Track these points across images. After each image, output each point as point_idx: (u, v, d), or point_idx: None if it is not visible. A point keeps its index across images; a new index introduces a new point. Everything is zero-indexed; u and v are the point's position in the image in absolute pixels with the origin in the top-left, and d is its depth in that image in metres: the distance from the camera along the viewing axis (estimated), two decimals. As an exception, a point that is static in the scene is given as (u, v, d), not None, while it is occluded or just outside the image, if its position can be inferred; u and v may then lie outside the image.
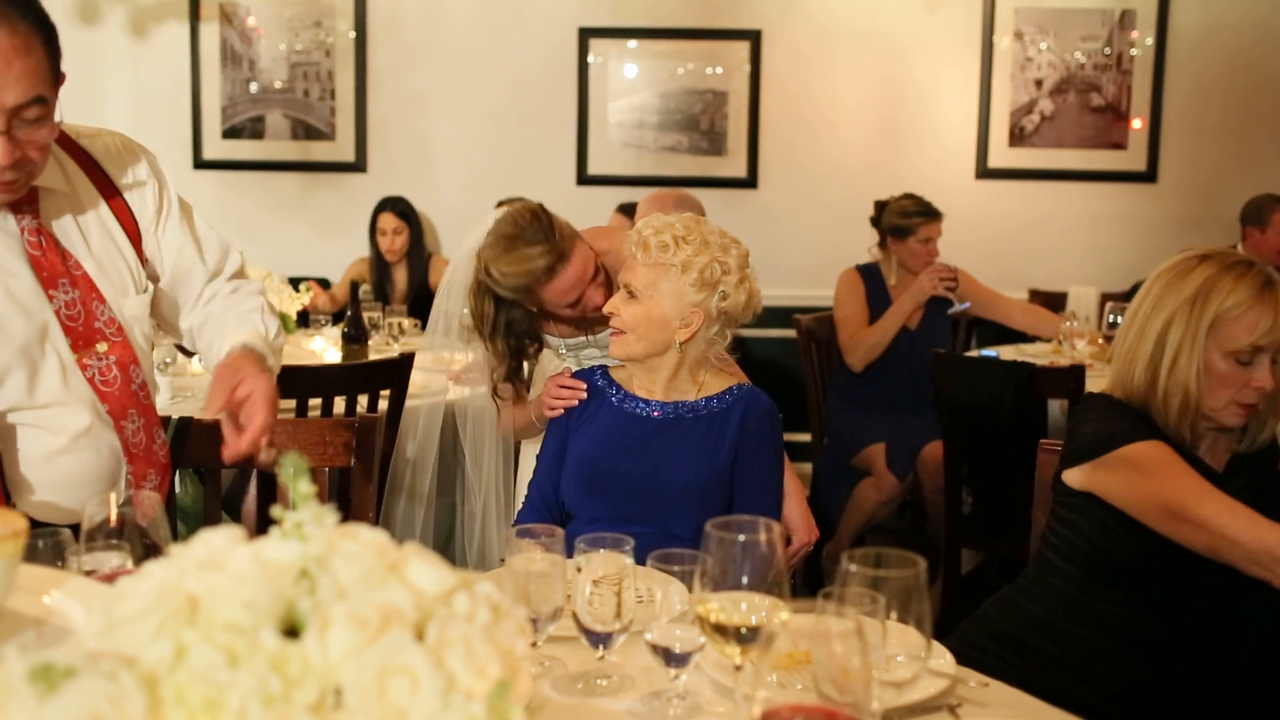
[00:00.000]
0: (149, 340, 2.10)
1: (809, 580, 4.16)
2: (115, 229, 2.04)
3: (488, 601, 0.93)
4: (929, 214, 4.44)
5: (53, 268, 1.93)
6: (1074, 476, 2.02)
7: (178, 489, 2.77)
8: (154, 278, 2.12)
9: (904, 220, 4.43)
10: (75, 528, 1.49)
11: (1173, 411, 1.98)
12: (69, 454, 1.95)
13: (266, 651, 0.82)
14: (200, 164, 5.89)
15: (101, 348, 1.96)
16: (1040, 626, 2.04)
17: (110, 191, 2.05)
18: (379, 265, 5.51)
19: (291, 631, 0.86)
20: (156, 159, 2.15)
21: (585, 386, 2.38)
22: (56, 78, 1.84)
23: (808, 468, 4.81)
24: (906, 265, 4.49)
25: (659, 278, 2.22)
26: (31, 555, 1.44)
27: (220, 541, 0.92)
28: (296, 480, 0.92)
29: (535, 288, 2.52)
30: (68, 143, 2.02)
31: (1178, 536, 1.88)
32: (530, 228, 2.50)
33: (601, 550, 1.48)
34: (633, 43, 5.87)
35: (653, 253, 2.22)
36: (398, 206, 5.50)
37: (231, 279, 2.19)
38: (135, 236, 2.07)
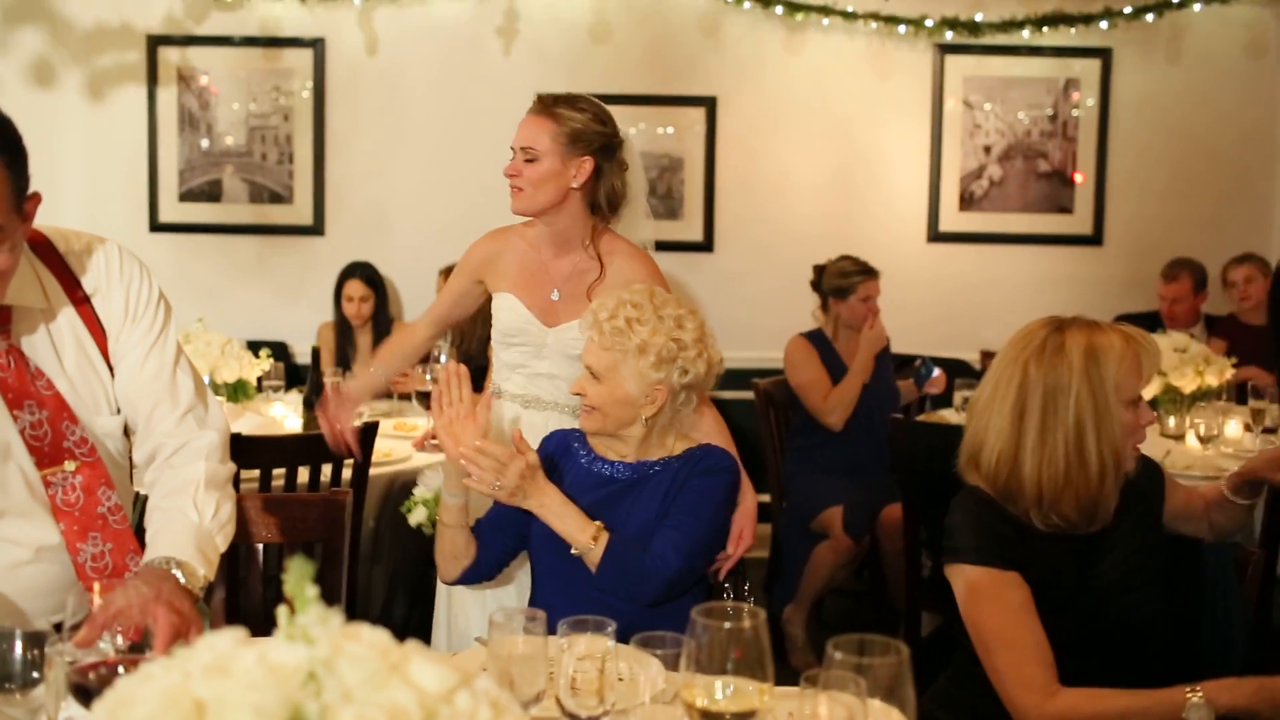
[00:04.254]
0: (126, 457, 2.04)
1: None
2: (91, 347, 1.96)
3: (487, 698, 0.94)
4: (867, 272, 4.66)
5: (20, 388, 1.87)
6: (948, 570, 2.10)
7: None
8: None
9: (844, 280, 4.64)
10: (36, 635, 1.44)
11: (1108, 482, 1.99)
12: (34, 565, 1.90)
13: (276, 758, 0.83)
14: (157, 227, 5.85)
15: (69, 466, 1.90)
16: (977, 713, 2.06)
17: (87, 308, 1.96)
18: (342, 330, 5.45)
19: (298, 736, 0.87)
20: (149, 274, 2.03)
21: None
22: (19, 201, 1.73)
23: (766, 529, 4.83)
24: (849, 324, 4.66)
25: (618, 361, 2.25)
26: (8, 649, 1.43)
27: (225, 645, 0.92)
28: (300, 584, 0.92)
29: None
30: (50, 254, 1.95)
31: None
32: (598, 107, 2.77)
33: (586, 634, 1.49)
34: (590, 108, 5.92)
35: (607, 337, 2.25)
36: (364, 273, 5.44)
37: (183, 418, 2.01)
38: (105, 349, 1.98)
